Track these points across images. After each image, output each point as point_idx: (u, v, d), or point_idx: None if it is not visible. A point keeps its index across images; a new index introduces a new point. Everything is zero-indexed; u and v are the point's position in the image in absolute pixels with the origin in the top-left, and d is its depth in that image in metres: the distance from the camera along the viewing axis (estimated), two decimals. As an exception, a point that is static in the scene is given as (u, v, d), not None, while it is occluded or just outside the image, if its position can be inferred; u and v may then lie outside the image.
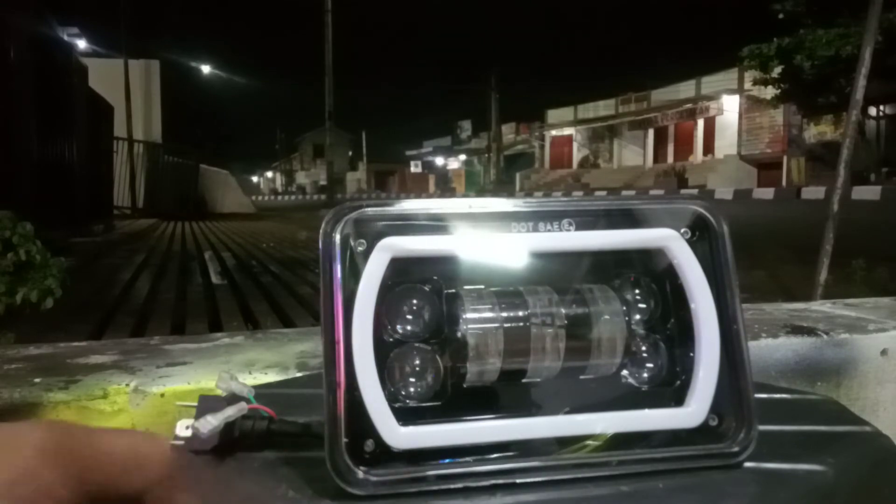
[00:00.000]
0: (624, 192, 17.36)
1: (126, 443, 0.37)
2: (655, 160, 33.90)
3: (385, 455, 0.41)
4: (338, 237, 0.45)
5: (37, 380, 0.95)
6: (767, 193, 20.73)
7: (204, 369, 0.99)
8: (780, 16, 19.33)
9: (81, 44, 18.25)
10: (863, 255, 4.43)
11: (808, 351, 1.08)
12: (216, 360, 1.04)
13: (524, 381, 0.50)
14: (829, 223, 3.04)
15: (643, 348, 0.52)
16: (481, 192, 37.15)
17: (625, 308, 0.51)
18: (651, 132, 34.18)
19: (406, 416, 0.43)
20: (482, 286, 0.49)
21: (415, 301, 0.48)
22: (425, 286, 0.48)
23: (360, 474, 0.40)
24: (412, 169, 58.76)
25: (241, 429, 0.44)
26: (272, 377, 0.96)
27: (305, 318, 3.85)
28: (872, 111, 21.44)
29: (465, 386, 0.48)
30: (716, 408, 0.49)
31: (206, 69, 38.88)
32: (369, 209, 0.47)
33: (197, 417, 0.42)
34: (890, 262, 4.65)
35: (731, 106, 28.88)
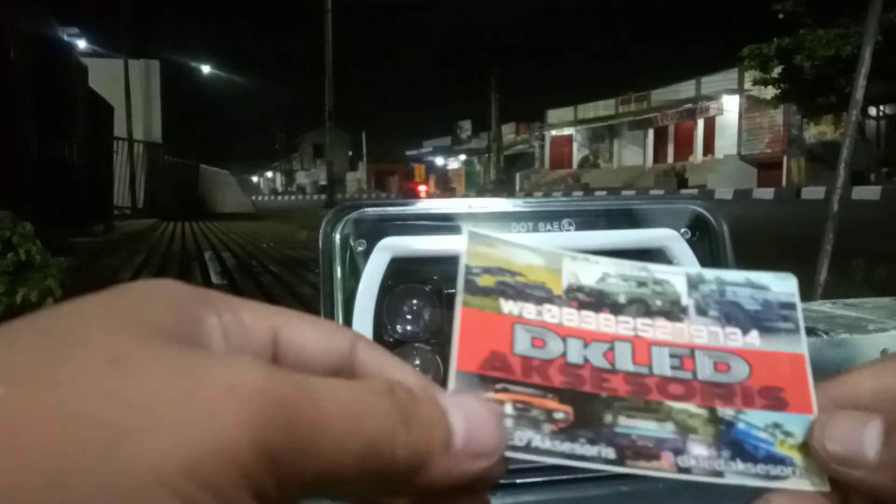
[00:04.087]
0: (624, 192, 17.34)
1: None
2: (655, 160, 33.91)
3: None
4: (338, 237, 0.45)
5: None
6: (767, 193, 20.76)
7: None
8: (780, 16, 19.36)
9: (81, 44, 18.26)
10: (862, 256, 4.44)
11: (808, 351, 1.07)
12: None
13: (524, 381, 0.50)
14: (828, 223, 3.04)
15: (643, 348, 0.52)
16: (481, 192, 37.15)
17: (625, 308, 0.51)
18: (651, 132, 34.20)
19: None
20: (482, 286, 0.49)
21: (415, 301, 0.48)
22: (425, 286, 0.48)
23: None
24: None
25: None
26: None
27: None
28: (872, 111, 21.46)
29: (465, 386, 0.48)
30: (716, 408, 0.49)
31: (206, 69, 38.95)
32: (369, 209, 0.47)
33: None
34: (890, 262, 4.65)
35: (731, 106, 28.88)
